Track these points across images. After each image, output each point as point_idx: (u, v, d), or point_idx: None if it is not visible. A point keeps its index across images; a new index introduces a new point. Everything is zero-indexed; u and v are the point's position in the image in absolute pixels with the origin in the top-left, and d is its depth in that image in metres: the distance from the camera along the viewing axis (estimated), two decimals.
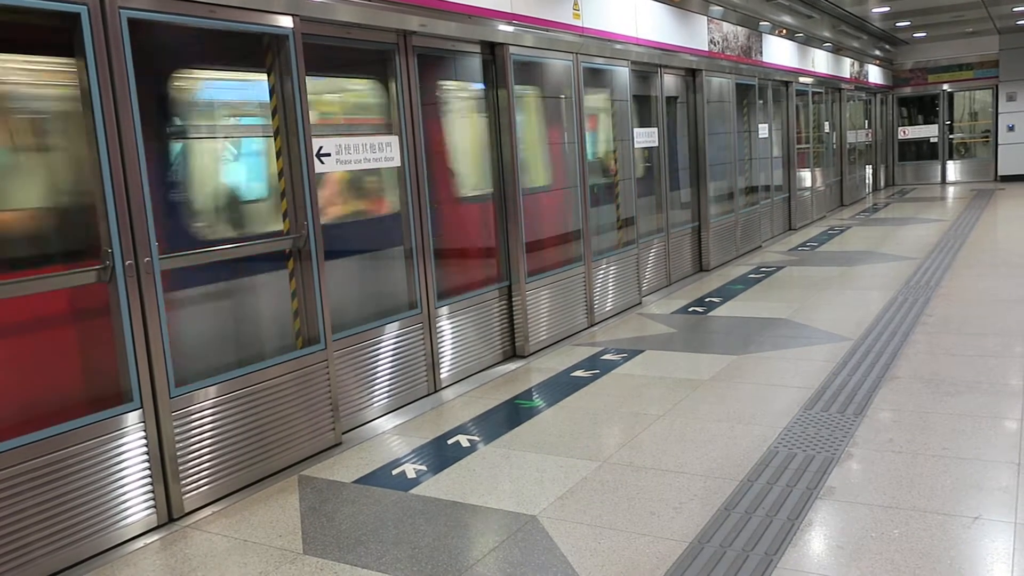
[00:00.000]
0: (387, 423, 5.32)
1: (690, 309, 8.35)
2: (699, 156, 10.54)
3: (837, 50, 16.99)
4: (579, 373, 6.21)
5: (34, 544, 3.50)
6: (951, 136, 22.55)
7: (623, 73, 8.45)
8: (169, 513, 4.01)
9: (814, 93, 15.71)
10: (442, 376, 5.98)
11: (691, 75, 10.44)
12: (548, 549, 3.53)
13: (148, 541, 3.84)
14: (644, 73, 9.32)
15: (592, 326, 7.70)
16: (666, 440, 4.73)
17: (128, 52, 3.80)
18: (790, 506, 3.76)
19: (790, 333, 7.04)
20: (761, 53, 12.70)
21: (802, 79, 14.74)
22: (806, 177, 15.33)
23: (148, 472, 3.92)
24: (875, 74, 20.79)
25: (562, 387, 5.89)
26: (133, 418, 3.85)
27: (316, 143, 4.87)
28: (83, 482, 3.67)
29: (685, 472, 4.24)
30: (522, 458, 4.61)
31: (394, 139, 5.54)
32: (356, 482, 4.39)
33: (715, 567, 3.28)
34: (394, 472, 4.49)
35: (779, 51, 13.56)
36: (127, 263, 3.82)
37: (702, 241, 10.60)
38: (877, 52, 20.52)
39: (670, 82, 9.95)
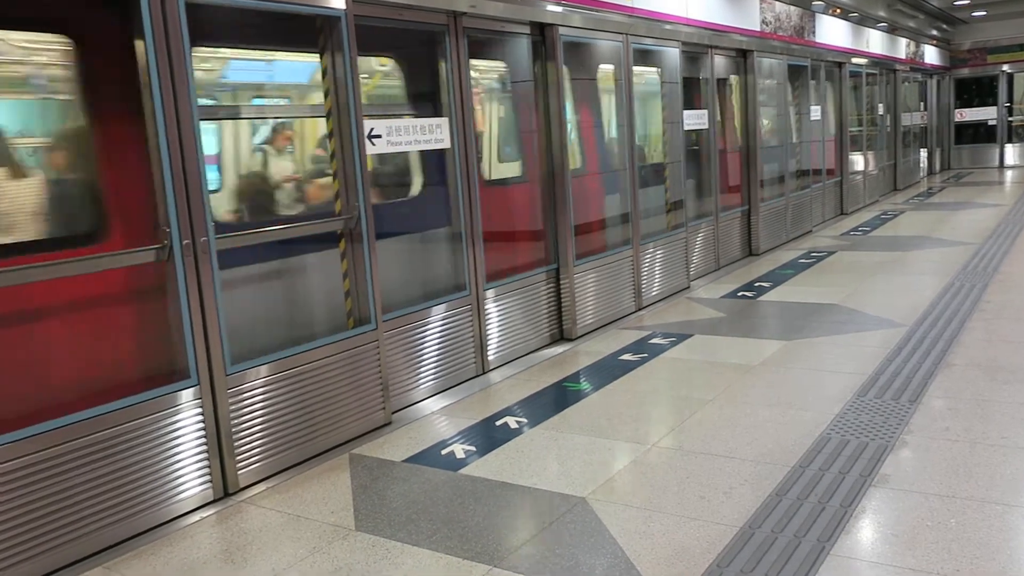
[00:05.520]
0: (435, 404, 5.35)
1: (739, 294, 8.26)
2: (749, 138, 10.39)
3: (892, 30, 16.58)
4: (627, 357, 6.19)
5: (95, 516, 3.59)
6: (1010, 119, 21.88)
7: (673, 54, 8.35)
8: (225, 488, 4.09)
9: (868, 74, 15.36)
10: (489, 358, 6.00)
11: (742, 56, 10.27)
12: (597, 531, 3.53)
13: (204, 515, 3.93)
14: (694, 54, 9.20)
15: (640, 310, 7.66)
16: (715, 425, 4.69)
17: (185, 32, 3.85)
18: (843, 493, 3.71)
19: (842, 319, 6.92)
20: (814, 33, 12.45)
21: (855, 60, 14.42)
22: (858, 160, 15.03)
23: (204, 447, 4.00)
24: (931, 54, 20.26)
25: (610, 370, 5.88)
26: (191, 394, 3.93)
27: (367, 124, 4.90)
28: (143, 456, 3.76)
29: (735, 457, 4.21)
30: (570, 440, 4.61)
31: (444, 121, 5.55)
32: (406, 461, 4.44)
33: (766, 552, 3.26)
34: (443, 452, 4.53)
35: (832, 31, 13.28)
36: (184, 243, 3.89)
37: (751, 225, 10.47)
38: (934, 32, 19.98)
39: (720, 63, 9.80)
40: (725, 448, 4.33)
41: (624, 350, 6.37)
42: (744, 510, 3.63)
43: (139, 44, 3.76)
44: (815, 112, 12.52)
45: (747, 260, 10.19)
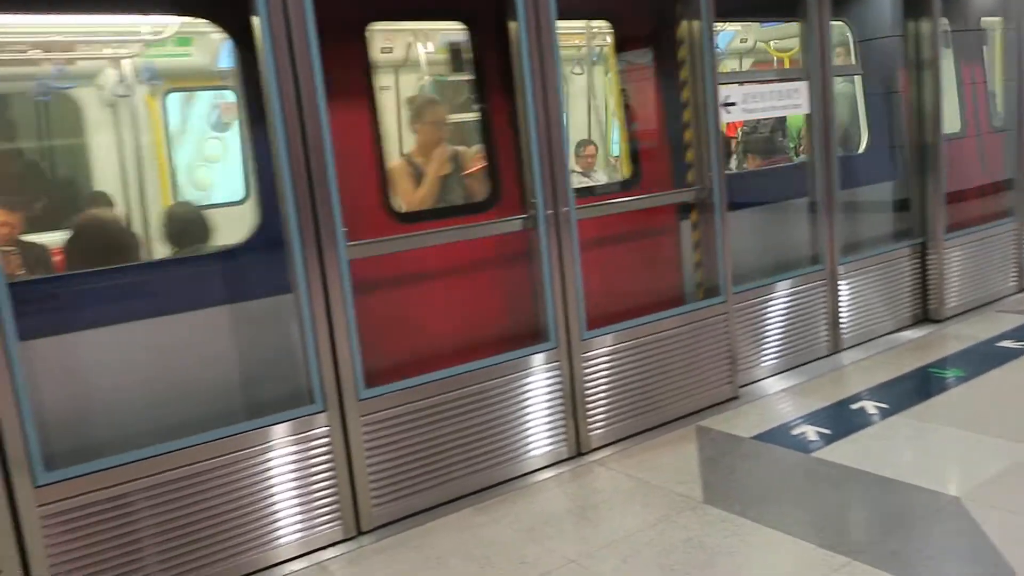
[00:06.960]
0: (782, 382, 5.16)
1: None
2: None
3: None
4: (1007, 344, 5.49)
5: (466, 462, 3.94)
6: None
7: None
8: (578, 447, 4.30)
9: None
10: (843, 337, 5.64)
11: None
12: (975, 536, 3.20)
13: (559, 471, 4.15)
14: None
15: (1022, 291, 6.76)
16: None
17: (553, 8, 4.03)
18: None
19: None
20: None
21: None
22: None
23: (562, 407, 4.22)
24: None
25: (985, 358, 5.26)
26: (551, 356, 4.16)
27: (722, 92, 4.79)
28: (508, 410, 4.06)
29: None
30: (939, 432, 4.22)
31: (803, 85, 5.27)
32: (754, 438, 4.34)
33: None
34: (793, 432, 4.36)
35: None
36: (548, 213, 4.10)
37: None
38: None
39: None
40: None
41: (1003, 336, 5.66)
42: None
43: (512, 25, 4.01)
44: None
45: None
